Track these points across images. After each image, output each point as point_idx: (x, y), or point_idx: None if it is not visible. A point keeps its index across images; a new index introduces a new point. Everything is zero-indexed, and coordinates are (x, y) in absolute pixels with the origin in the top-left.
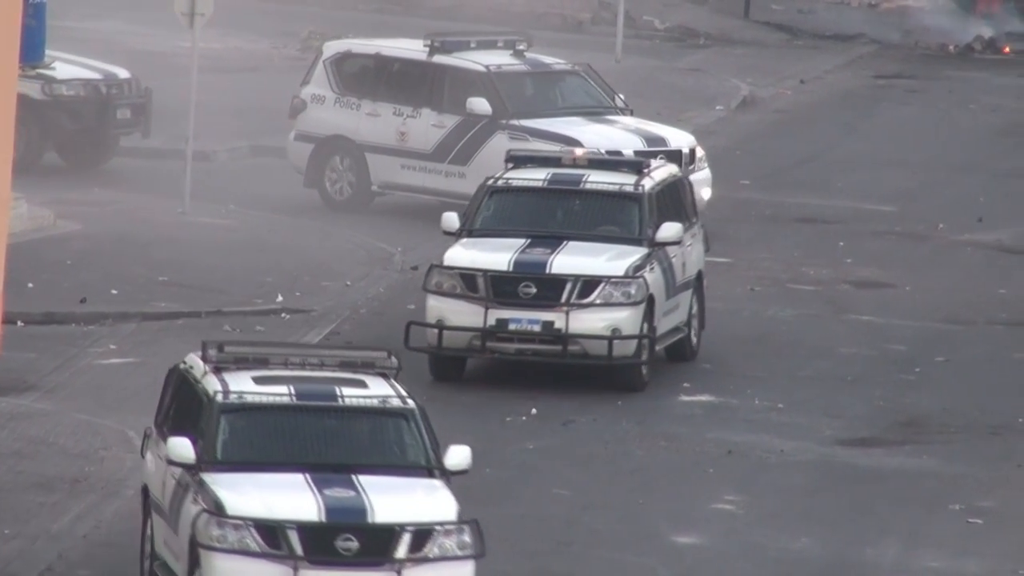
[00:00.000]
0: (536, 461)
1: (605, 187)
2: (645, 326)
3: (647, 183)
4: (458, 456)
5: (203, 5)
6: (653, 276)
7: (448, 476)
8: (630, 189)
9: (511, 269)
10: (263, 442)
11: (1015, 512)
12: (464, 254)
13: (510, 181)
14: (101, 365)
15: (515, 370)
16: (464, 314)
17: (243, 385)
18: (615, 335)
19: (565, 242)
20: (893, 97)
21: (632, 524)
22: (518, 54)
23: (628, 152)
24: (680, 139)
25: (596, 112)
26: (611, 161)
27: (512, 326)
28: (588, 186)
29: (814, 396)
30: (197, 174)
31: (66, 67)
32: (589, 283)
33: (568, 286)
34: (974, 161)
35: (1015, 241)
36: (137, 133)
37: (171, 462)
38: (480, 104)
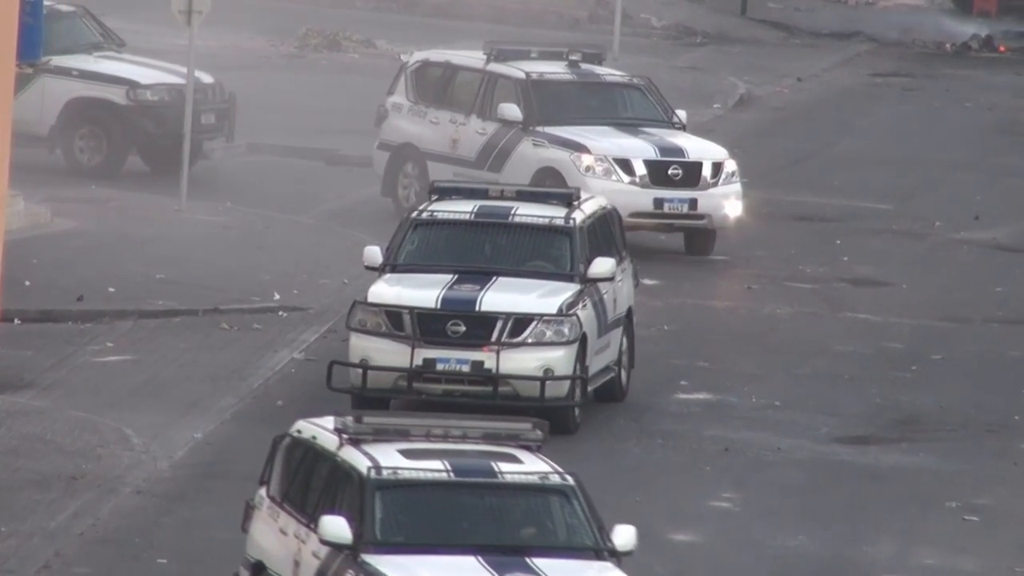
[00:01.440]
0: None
1: (534, 220)
2: (578, 366)
3: (578, 216)
4: (625, 536)
5: (200, 3)
6: (585, 314)
7: (618, 557)
8: (560, 223)
9: (439, 306)
10: (424, 521)
11: (1011, 510)
12: (389, 290)
13: (435, 214)
14: (98, 363)
15: None
16: (390, 353)
17: (393, 460)
18: (548, 376)
19: (494, 278)
20: (890, 95)
21: (630, 522)
22: (572, 64)
23: (637, 161)
24: (705, 152)
25: (638, 124)
26: (540, 193)
27: (440, 366)
28: (517, 219)
29: (811, 394)
30: (194, 171)
31: (150, 72)
32: (520, 321)
33: (499, 324)
34: (970, 159)
35: (1011, 239)
36: (221, 138)
37: (324, 542)
38: (511, 110)
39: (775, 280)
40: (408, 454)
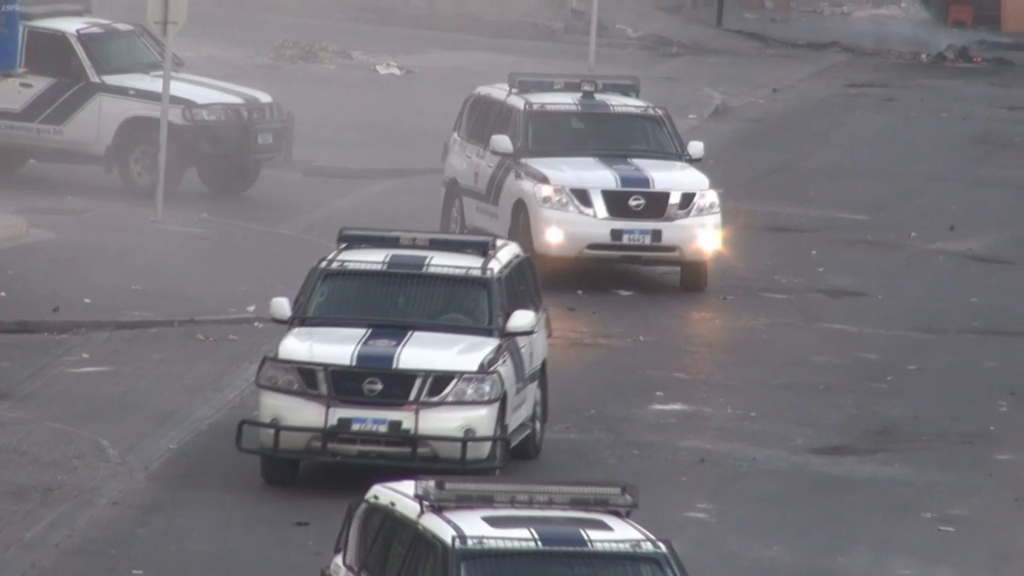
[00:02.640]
0: (510, 470)
1: (450, 271)
2: (499, 427)
3: (494, 266)
4: None
5: (176, 13)
6: (506, 370)
7: None
8: (477, 273)
9: (354, 363)
10: None
11: (987, 520)
12: (300, 346)
13: (345, 264)
14: (74, 374)
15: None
16: (302, 412)
17: (478, 528)
18: (469, 437)
19: (410, 332)
20: (866, 106)
21: None
22: (586, 95)
23: (595, 192)
24: (676, 182)
25: (642, 155)
26: (454, 242)
27: (356, 426)
28: (431, 270)
29: (787, 404)
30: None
31: (207, 91)
32: (440, 379)
33: (417, 382)
34: (946, 170)
35: (986, 249)
36: (279, 158)
37: None
38: (502, 142)
39: (751, 291)
40: (493, 522)
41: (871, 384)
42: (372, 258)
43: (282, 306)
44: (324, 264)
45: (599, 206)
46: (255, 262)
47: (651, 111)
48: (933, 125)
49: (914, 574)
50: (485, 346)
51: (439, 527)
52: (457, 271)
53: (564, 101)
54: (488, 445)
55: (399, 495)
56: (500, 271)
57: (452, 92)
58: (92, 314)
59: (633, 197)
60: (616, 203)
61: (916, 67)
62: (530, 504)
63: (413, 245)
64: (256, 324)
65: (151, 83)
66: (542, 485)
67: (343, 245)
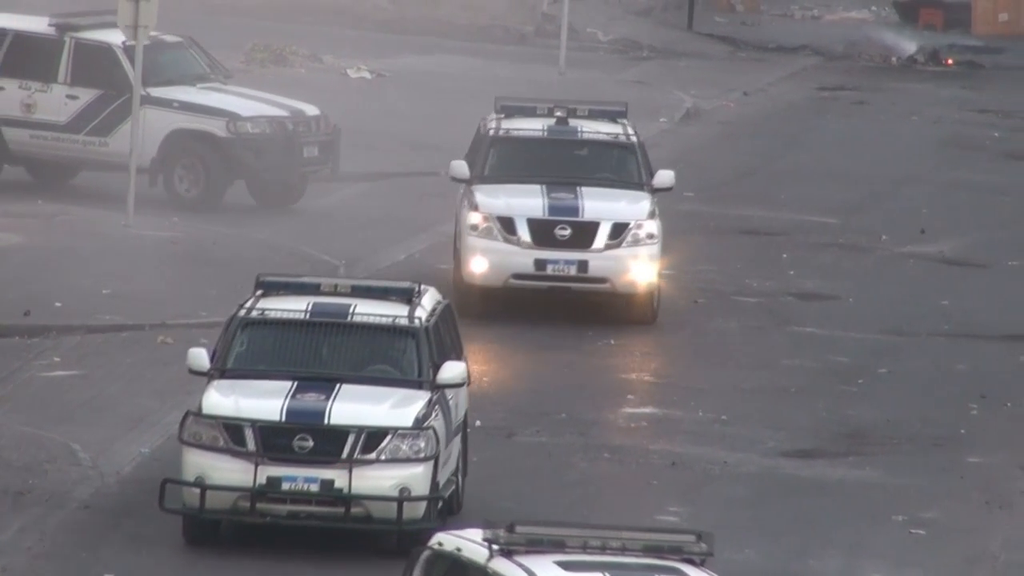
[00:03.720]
0: (480, 473)
1: (376, 320)
2: (433, 485)
3: (421, 314)
4: None
5: (146, 17)
6: (439, 424)
7: None
8: (404, 323)
9: (284, 419)
10: None
11: (958, 523)
12: (224, 400)
13: (265, 312)
14: (45, 377)
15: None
16: (229, 471)
17: (550, 572)
18: (405, 496)
19: (338, 385)
20: (836, 109)
21: None
22: (560, 121)
23: (521, 220)
24: (609, 212)
25: (603, 183)
26: (377, 289)
27: (286, 485)
28: (356, 319)
29: (757, 408)
30: (141, 186)
31: (252, 104)
32: (374, 435)
33: (351, 439)
34: (916, 173)
35: (957, 253)
36: (325, 171)
37: None
38: (459, 168)
39: (722, 294)
40: (567, 566)
41: (842, 387)
42: (293, 306)
43: (200, 357)
44: (243, 312)
45: (524, 234)
46: (226, 266)
47: (622, 138)
48: (904, 128)
49: None
50: (417, 399)
51: (510, 571)
52: (383, 320)
53: (533, 127)
54: (424, 505)
55: (465, 541)
56: (427, 319)
57: (423, 96)
58: (63, 318)
59: (560, 226)
60: (542, 232)
61: (887, 70)
62: (603, 550)
63: (335, 292)
64: None
65: (196, 95)
66: (615, 530)
67: (259, 292)
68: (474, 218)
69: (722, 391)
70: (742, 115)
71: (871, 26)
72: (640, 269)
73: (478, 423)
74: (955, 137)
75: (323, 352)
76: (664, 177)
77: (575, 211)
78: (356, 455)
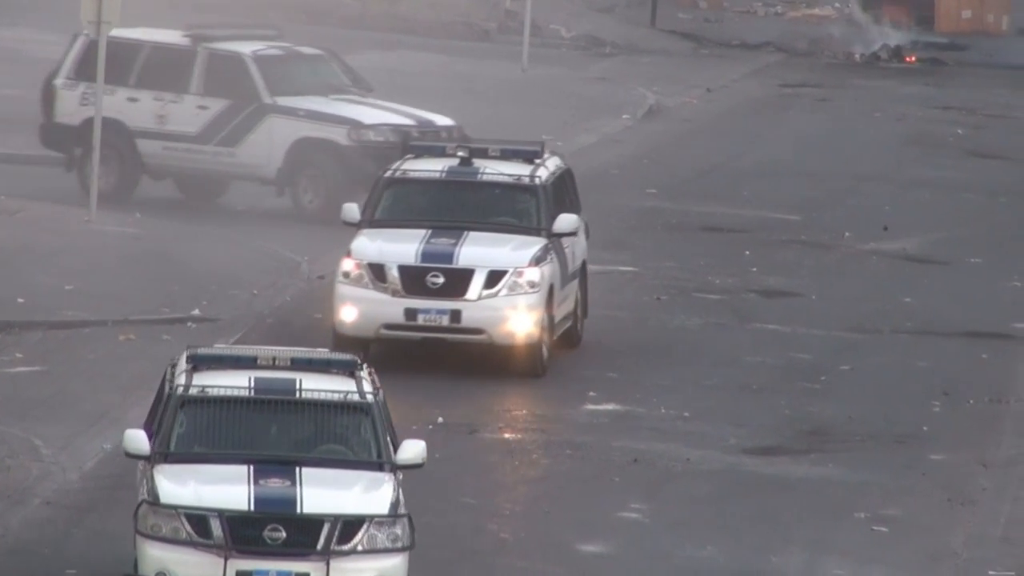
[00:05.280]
0: (442, 469)
1: (322, 396)
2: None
3: (368, 388)
4: None
5: (109, 13)
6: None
7: None
8: (355, 398)
9: (252, 508)
10: None
11: (920, 520)
12: (182, 490)
13: (205, 390)
14: (7, 374)
15: (420, 377)
16: (196, 565)
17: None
18: None
19: (297, 468)
20: (799, 106)
21: (538, 533)
22: (463, 161)
23: (391, 267)
24: (486, 259)
25: (499, 228)
26: (318, 360)
27: None
28: (305, 396)
29: (720, 405)
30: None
31: (377, 112)
32: (350, 524)
33: (326, 528)
34: (879, 170)
35: (920, 250)
36: None
37: None
38: (350, 211)
39: (684, 291)
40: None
41: (804, 384)
42: (235, 383)
43: (138, 440)
44: (180, 390)
45: (395, 282)
46: (188, 262)
47: (524, 180)
48: (867, 125)
49: (847, 574)
50: (384, 483)
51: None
52: (335, 396)
53: (432, 168)
54: None
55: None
56: (375, 391)
57: (386, 92)
58: (25, 314)
59: (432, 273)
60: (413, 280)
61: (850, 67)
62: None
63: (274, 366)
64: (190, 325)
65: (324, 104)
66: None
67: (190, 366)
68: (346, 265)
69: (684, 388)
70: (705, 112)
71: (834, 22)
72: (518, 320)
73: (440, 419)
74: (918, 134)
75: (272, 431)
76: (565, 222)
77: (449, 257)
78: (332, 546)
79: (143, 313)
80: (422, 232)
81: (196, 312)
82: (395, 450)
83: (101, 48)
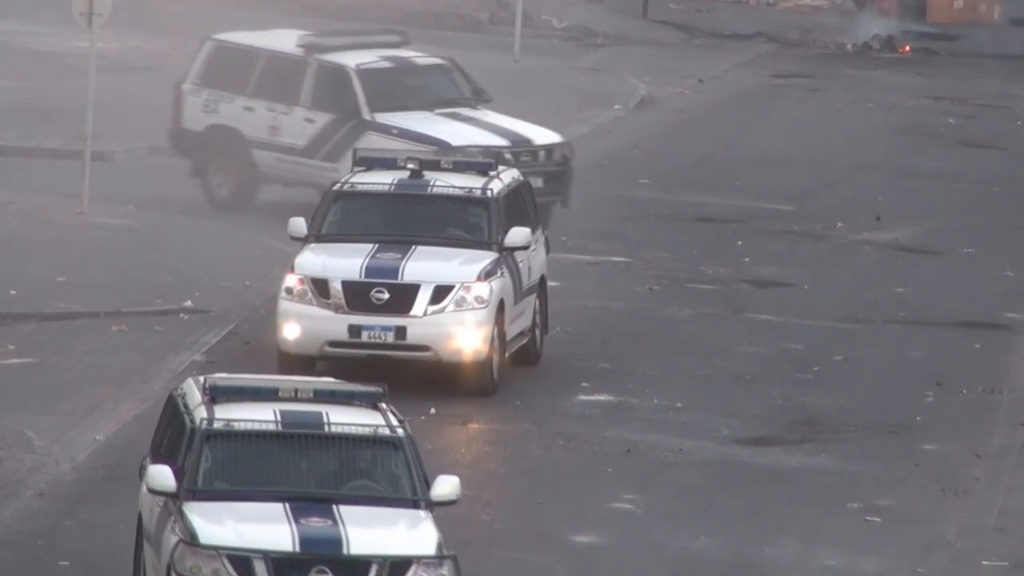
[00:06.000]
0: (435, 461)
1: (354, 430)
2: None
3: (395, 420)
4: None
5: (101, 6)
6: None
7: None
8: (385, 432)
9: (299, 550)
10: None
11: (913, 510)
12: (221, 530)
13: (231, 424)
14: (0, 365)
15: (412, 371)
16: None
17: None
18: None
19: (335, 507)
20: (791, 96)
21: (531, 523)
22: (414, 174)
23: (335, 282)
24: (435, 274)
25: (433, 242)
26: (341, 393)
27: None
28: (334, 429)
29: (713, 395)
30: (95, 174)
31: (470, 131)
32: (398, 566)
33: (373, 570)
34: (872, 160)
35: (913, 240)
36: (554, 204)
37: None
38: (296, 226)
39: (676, 281)
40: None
41: (797, 375)
42: (260, 416)
43: (163, 476)
44: (204, 424)
45: (338, 298)
46: (181, 253)
47: (476, 193)
48: (859, 115)
49: (840, 564)
50: (424, 521)
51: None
52: (364, 429)
53: (381, 181)
54: None
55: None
56: (401, 424)
57: None
58: (18, 305)
59: (376, 289)
60: (357, 295)
61: (842, 57)
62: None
63: (296, 398)
64: (182, 316)
65: (421, 122)
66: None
67: (208, 398)
68: (289, 280)
69: (677, 378)
70: (697, 102)
71: (826, 12)
72: (466, 336)
73: (433, 411)
74: (910, 124)
75: (302, 467)
76: (517, 235)
77: (394, 272)
78: None
79: (136, 305)
80: (368, 246)
81: (188, 303)
82: (427, 485)
83: (93, 42)
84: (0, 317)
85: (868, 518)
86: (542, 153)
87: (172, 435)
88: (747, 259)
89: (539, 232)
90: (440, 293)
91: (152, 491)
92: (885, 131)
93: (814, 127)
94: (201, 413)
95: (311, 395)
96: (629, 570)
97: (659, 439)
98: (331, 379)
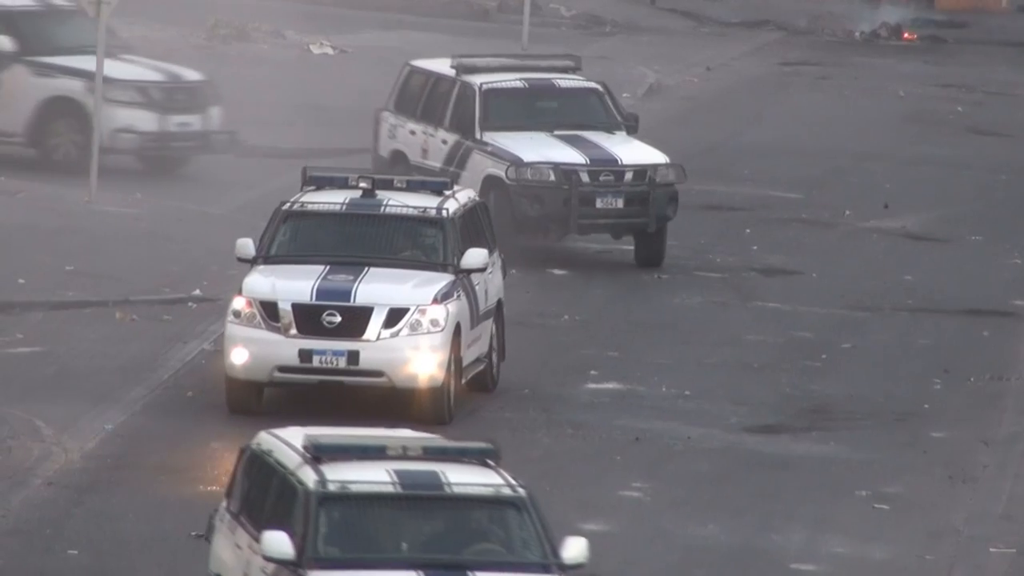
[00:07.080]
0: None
1: (477, 491)
2: None
3: (511, 479)
4: None
5: None
6: None
7: None
8: (508, 492)
9: None
10: None
11: (921, 498)
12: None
13: (347, 486)
14: (8, 354)
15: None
16: None
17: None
18: None
19: (468, 573)
20: (799, 84)
21: None
22: (366, 193)
23: (285, 305)
24: (388, 296)
25: (388, 263)
26: (451, 450)
27: None
28: (455, 490)
29: (721, 383)
30: (103, 163)
31: (551, 151)
32: None
33: None
34: (880, 148)
35: (920, 228)
36: (639, 224)
37: None
38: (244, 247)
39: (685, 270)
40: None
41: (805, 362)
42: (375, 477)
43: (280, 543)
44: (318, 487)
45: (288, 322)
46: (189, 242)
47: (430, 213)
48: (867, 103)
49: (848, 552)
50: None
51: (309, 476)
52: (486, 490)
53: (332, 200)
54: None
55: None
56: (519, 483)
57: (386, 72)
58: (26, 294)
59: (328, 312)
60: (308, 319)
61: (850, 45)
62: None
63: (405, 456)
64: (190, 304)
65: (518, 142)
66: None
67: (310, 456)
68: (237, 303)
69: (685, 366)
70: (705, 90)
71: (834, 0)
72: (421, 361)
73: None
74: (918, 112)
75: (425, 530)
76: (474, 257)
77: (346, 295)
78: None
79: (144, 293)
80: (320, 268)
81: (197, 292)
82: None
83: (101, 31)
84: (8, 306)
85: (876, 505)
86: (629, 174)
87: (270, 497)
88: (755, 247)
89: (496, 254)
90: (394, 316)
91: (268, 559)
92: (893, 119)
93: (822, 115)
94: (309, 475)
95: (421, 452)
96: (638, 558)
97: (668, 427)
98: (433, 435)
